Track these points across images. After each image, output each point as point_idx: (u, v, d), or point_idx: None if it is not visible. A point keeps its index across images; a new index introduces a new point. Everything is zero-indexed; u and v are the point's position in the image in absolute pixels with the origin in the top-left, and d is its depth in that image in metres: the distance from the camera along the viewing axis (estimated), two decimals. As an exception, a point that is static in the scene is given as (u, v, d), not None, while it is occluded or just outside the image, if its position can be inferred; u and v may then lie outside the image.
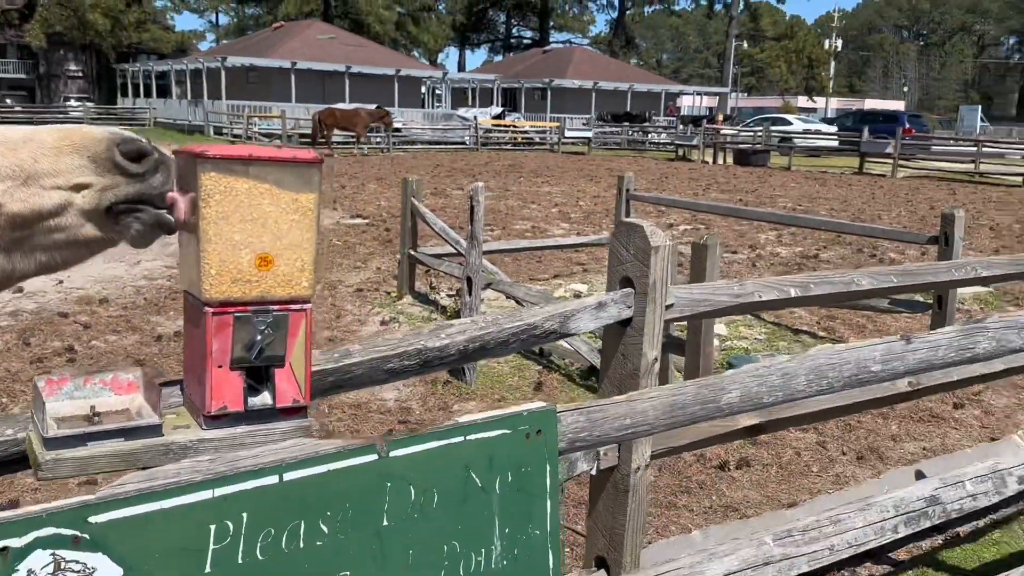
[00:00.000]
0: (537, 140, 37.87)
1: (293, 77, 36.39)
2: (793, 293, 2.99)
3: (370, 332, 6.87)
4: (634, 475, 2.70)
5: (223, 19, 74.76)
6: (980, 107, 64.41)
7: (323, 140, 27.89)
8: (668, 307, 2.71)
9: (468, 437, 1.62)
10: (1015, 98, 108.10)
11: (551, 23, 68.55)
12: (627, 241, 2.65)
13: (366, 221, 12.66)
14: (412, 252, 7.51)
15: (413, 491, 1.55)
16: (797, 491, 4.38)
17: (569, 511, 3.91)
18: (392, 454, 1.53)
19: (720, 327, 7.48)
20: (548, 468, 1.71)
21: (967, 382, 3.57)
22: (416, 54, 57.62)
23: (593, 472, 2.71)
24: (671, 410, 1.98)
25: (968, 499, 2.51)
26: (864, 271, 3.13)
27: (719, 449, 4.70)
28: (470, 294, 5.60)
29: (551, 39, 67.38)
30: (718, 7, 70.04)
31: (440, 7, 60.66)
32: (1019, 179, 24.50)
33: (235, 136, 33.20)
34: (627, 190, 9.13)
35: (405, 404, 5.34)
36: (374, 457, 1.51)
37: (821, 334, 7.32)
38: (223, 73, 36.00)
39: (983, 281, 3.48)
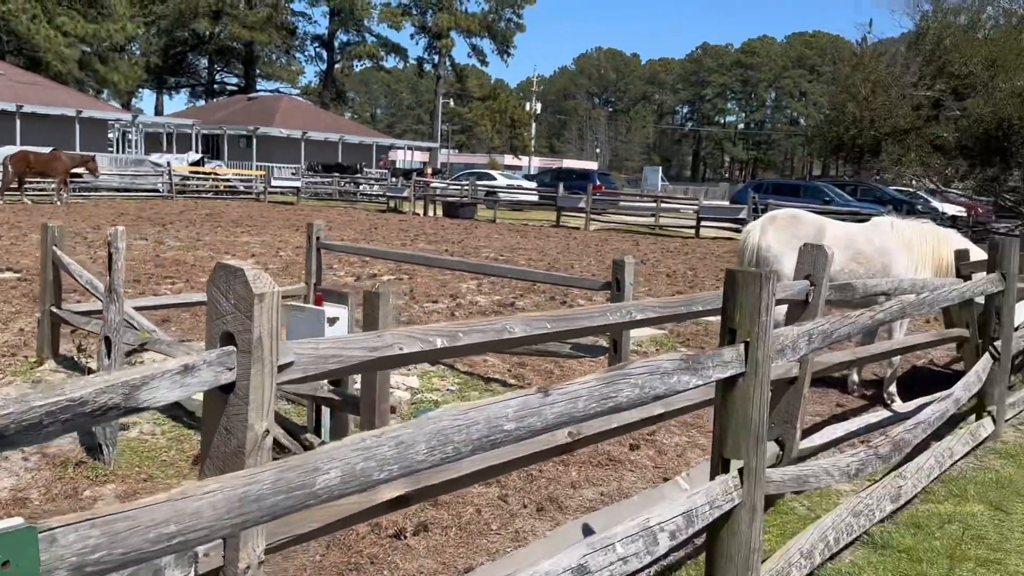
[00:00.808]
0: (242, 189, 36.19)
1: (-51, 116, 31.90)
2: (439, 344, 2.68)
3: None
4: (244, 577, 2.20)
5: None
6: (660, 168, 71.92)
7: (14, 188, 25.06)
8: (285, 367, 2.27)
9: None
10: (689, 160, 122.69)
11: (257, 71, 66.51)
12: (227, 289, 2.18)
13: (18, 275, 10.98)
14: (54, 309, 6.44)
15: None
16: (475, 553, 4.08)
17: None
18: None
19: (412, 379, 7.17)
20: (21, 617, 1.18)
21: (627, 428, 3.48)
22: (107, 96, 53.06)
23: (190, 579, 2.17)
24: (241, 505, 1.52)
25: (619, 563, 2.29)
26: (517, 318, 2.91)
27: (396, 515, 4.30)
28: (109, 357, 4.78)
29: (258, 87, 65.34)
30: (427, 67, 72.24)
31: (134, 48, 56.48)
32: (692, 231, 27.25)
33: None
34: (317, 239, 8.60)
35: (22, 494, 4.39)
36: None
37: (512, 382, 7.25)
38: None
39: (639, 324, 3.41)
